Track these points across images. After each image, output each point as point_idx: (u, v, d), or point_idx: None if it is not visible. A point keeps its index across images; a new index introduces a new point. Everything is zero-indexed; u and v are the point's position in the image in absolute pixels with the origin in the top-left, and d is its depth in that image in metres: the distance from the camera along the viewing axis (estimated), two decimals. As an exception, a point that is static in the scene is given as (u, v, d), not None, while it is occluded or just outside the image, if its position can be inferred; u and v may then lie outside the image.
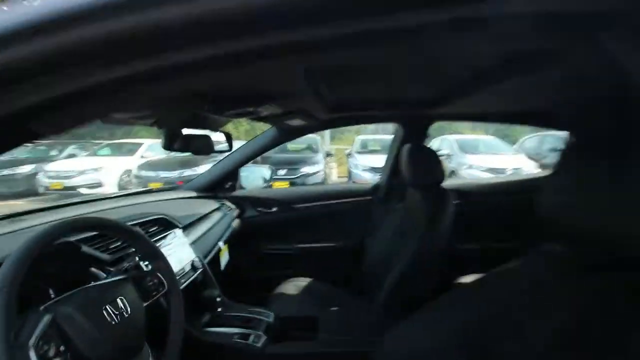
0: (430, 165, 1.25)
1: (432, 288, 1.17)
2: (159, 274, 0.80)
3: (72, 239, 0.79)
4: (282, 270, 1.86)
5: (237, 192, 1.90)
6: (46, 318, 0.53)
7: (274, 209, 1.88)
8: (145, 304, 0.73)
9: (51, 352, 0.51)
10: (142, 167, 6.58)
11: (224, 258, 1.51)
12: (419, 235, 1.18)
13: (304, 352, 0.98)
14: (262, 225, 1.89)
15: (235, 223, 1.77)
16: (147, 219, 1.13)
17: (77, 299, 0.59)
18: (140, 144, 7.98)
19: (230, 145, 1.23)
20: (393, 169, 1.80)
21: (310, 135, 8.73)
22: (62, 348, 0.53)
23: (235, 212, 1.82)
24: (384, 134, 9.08)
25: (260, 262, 1.90)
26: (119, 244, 0.95)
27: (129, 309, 0.66)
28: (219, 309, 1.10)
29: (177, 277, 1.05)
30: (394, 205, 1.68)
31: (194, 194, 1.72)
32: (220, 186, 1.84)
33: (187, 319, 1.02)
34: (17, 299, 0.49)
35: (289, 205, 1.88)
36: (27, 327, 0.51)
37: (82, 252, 0.79)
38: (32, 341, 0.49)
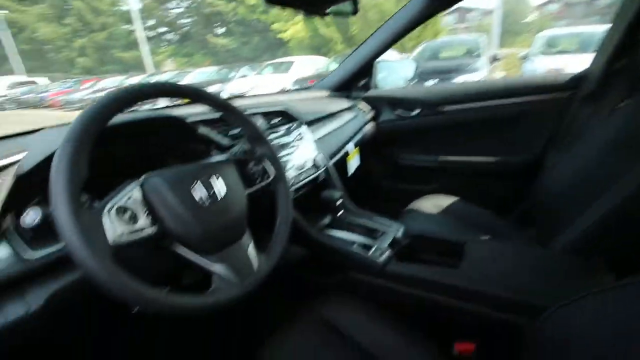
0: None
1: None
2: (263, 161, 0.69)
3: (191, 119, 0.75)
4: (421, 184, 1.59)
5: (372, 92, 1.62)
6: (132, 185, 0.49)
7: (416, 112, 1.53)
8: (248, 191, 0.64)
9: (135, 220, 0.47)
10: (295, 82, 7.14)
11: (353, 163, 1.35)
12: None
13: (437, 279, 0.75)
14: (400, 131, 1.60)
15: (369, 127, 1.55)
16: (268, 109, 1.04)
17: (169, 172, 0.53)
18: (292, 62, 8.53)
19: (356, 9, 0.94)
20: (619, 48, 1.10)
21: (472, 37, 7.11)
22: (149, 219, 0.48)
23: (370, 114, 1.58)
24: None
25: (396, 173, 1.67)
26: (238, 130, 0.90)
27: (224, 193, 0.57)
28: (340, 213, 0.98)
29: (297, 174, 0.96)
30: (610, 104, 1.06)
31: (325, 93, 1.56)
32: (353, 84, 1.60)
33: (305, 217, 0.95)
34: (87, 154, 0.43)
35: (435, 106, 1.49)
36: (110, 194, 0.46)
37: (198, 134, 0.75)
38: (109, 206, 0.44)
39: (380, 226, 0.97)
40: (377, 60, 1.50)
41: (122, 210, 0.46)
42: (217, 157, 0.65)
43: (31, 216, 0.47)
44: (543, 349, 0.51)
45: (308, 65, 8.71)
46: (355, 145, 1.39)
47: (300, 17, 14.38)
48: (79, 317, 0.63)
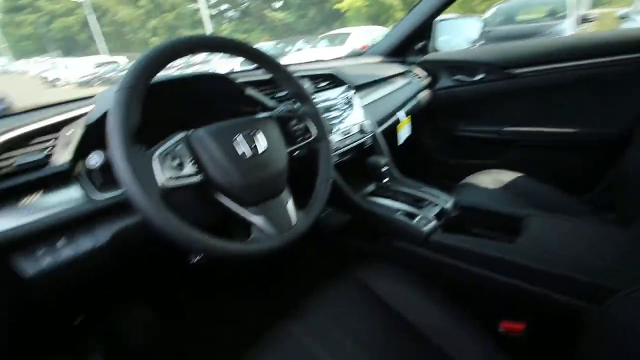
0: None
1: None
2: (306, 119, 0.68)
3: (240, 80, 0.77)
4: (480, 159, 1.46)
5: (430, 56, 1.50)
6: (179, 136, 0.52)
7: (479, 76, 1.38)
8: (289, 149, 0.65)
9: (182, 167, 0.50)
10: (350, 54, 6.91)
11: (404, 131, 1.28)
12: None
13: (486, 253, 0.69)
14: (459, 99, 1.46)
15: (424, 94, 1.45)
16: (315, 72, 1.02)
17: (214, 126, 0.56)
18: (348, 34, 8.25)
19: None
20: None
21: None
22: (194, 167, 0.51)
23: (425, 80, 1.47)
24: None
25: (452, 146, 1.55)
26: (284, 93, 0.89)
27: (264, 147, 0.58)
28: (385, 180, 0.94)
29: (342, 138, 0.94)
30: None
31: (377, 58, 1.48)
32: (408, 48, 1.49)
33: (349, 183, 0.93)
34: (139, 101, 0.46)
35: (503, 69, 1.32)
36: (161, 142, 0.50)
37: (246, 95, 0.77)
38: (158, 152, 0.47)
39: (427, 196, 0.91)
40: (436, 19, 1.37)
41: (170, 157, 0.49)
42: (258, 115, 0.66)
43: (94, 159, 0.52)
44: (608, 336, 0.45)
45: (365, 36, 8.34)
46: (408, 114, 1.31)
47: (358, -16, 13.70)
48: (139, 255, 0.71)
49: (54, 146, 0.55)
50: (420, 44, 1.48)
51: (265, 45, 11.30)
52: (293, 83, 0.67)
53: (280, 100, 0.88)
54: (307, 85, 0.99)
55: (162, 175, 0.46)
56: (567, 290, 0.61)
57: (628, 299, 0.44)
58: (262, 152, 0.57)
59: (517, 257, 0.66)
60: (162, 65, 0.50)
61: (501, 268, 0.68)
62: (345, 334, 0.60)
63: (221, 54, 0.62)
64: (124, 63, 14.31)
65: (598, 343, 0.46)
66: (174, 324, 1.05)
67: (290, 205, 0.60)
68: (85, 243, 0.55)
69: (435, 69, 1.48)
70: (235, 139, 0.55)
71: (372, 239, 0.91)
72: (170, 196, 0.48)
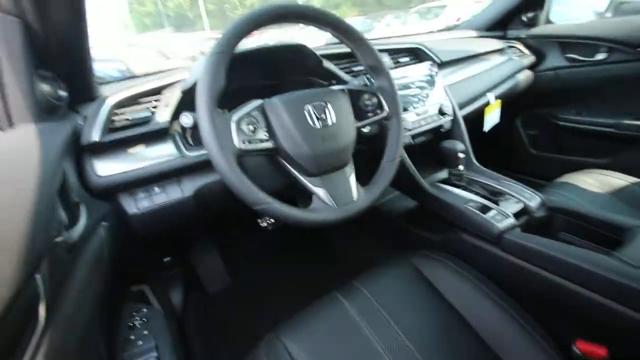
0: None
1: None
2: (380, 94, 0.66)
3: (320, 52, 0.77)
4: (586, 155, 1.24)
5: (537, 29, 1.28)
6: (255, 103, 0.55)
7: (600, 56, 1.15)
8: (359, 123, 0.64)
9: (255, 133, 0.53)
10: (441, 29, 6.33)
11: (492, 117, 1.15)
12: None
13: (572, 261, 0.59)
14: (569, 82, 1.24)
15: (524, 75, 1.26)
16: (399, 46, 0.97)
17: (287, 95, 0.58)
18: (444, 6, 7.49)
19: None
20: None
21: None
22: (266, 134, 0.54)
23: (529, 59, 1.27)
24: None
25: (552, 137, 1.34)
26: (361, 68, 0.87)
27: (333, 119, 0.59)
28: (461, 168, 0.86)
29: (418, 119, 0.89)
30: None
31: (473, 33, 1.33)
32: (512, 21, 1.30)
33: (420, 167, 0.88)
34: (226, 66, 0.51)
35: (632, 49, 1.07)
36: (239, 107, 0.54)
37: (324, 67, 0.77)
38: (236, 117, 0.52)
39: (508, 190, 0.82)
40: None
41: (245, 122, 0.53)
42: (343, 86, 0.66)
43: (186, 119, 0.59)
44: None
45: (464, 8, 7.48)
46: (499, 97, 1.17)
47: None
48: (219, 210, 0.79)
49: (156, 107, 0.64)
50: (529, 15, 1.28)
51: (354, 21, 11.04)
52: (371, 55, 0.65)
53: (356, 75, 0.86)
54: (385, 59, 0.95)
55: (237, 138, 0.51)
56: None
57: None
58: (331, 125, 0.58)
59: (612, 272, 0.56)
60: (247, 32, 0.53)
61: (590, 282, 0.58)
62: (389, 314, 0.60)
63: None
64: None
65: None
66: (237, 280, 1.18)
67: (352, 180, 0.60)
68: (174, 193, 0.64)
69: (543, 45, 1.27)
70: (307, 108, 0.56)
71: (438, 229, 0.86)
72: (243, 158, 0.53)
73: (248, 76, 0.70)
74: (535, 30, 1.28)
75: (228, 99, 0.54)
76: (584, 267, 0.59)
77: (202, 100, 0.48)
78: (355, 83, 0.74)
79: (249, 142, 0.52)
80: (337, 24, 0.61)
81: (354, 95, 0.65)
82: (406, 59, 0.98)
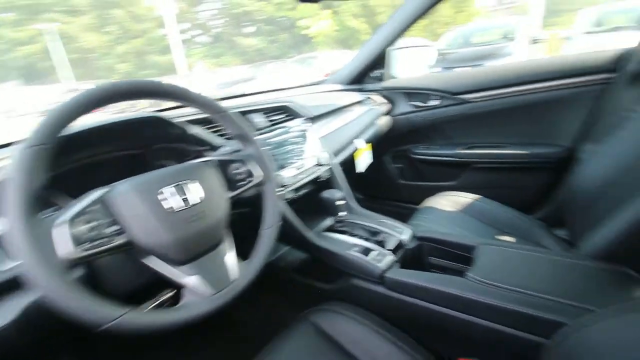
0: None
1: None
2: (249, 162, 0.65)
3: (182, 120, 0.73)
4: (440, 181, 1.49)
5: (386, 83, 1.54)
6: (93, 196, 0.46)
7: (434, 102, 1.43)
8: (231, 194, 0.61)
9: (99, 230, 0.44)
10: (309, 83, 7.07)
11: (364, 159, 1.29)
12: None
13: (440, 289, 0.68)
14: (417, 124, 1.50)
15: (383, 120, 1.47)
16: (268, 105, 1.01)
17: (138, 179, 0.51)
18: (315, 57, 8.51)
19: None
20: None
21: (510, 21, 6.59)
22: (115, 228, 0.46)
23: (384, 107, 1.50)
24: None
25: (413, 170, 1.58)
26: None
27: (201, 195, 0.54)
28: (342, 214, 0.92)
29: (297, 173, 0.92)
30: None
31: (337, 87, 1.50)
32: (366, 76, 1.53)
33: (304, 218, 0.90)
34: (45, 161, 0.42)
35: (456, 95, 1.37)
36: (69, 205, 0.45)
37: (189, 135, 0.73)
38: (65, 217, 0.42)
39: (385, 228, 0.90)
40: (389, 48, 1.42)
41: (83, 221, 0.44)
42: (208, 157, 0.63)
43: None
44: None
45: (333, 60, 8.59)
46: (368, 141, 1.32)
47: (326, 11, 14.22)
48: (56, 330, 0.62)
49: None
50: (377, 72, 1.52)
51: (238, 70, 11.37)
52: (234, 124, 0.65)
53: (231, 137, 0.85)
54: (259, 119, 0.97)
55: (71, 243, 0.41)
56: (516, 324, 0.61)
57: (575, 333, 0.44)
58: (196, 203, 0.54)
59: (468, 292, 0.65)
60: (74, 117, 0.46)
61: (454, 304, 0.67)
62: None
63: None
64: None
65: None
66: None
67: (229, 258, 0.56)
68: None
69: (393, 95, 1.52)
70: (162, 191, 0.51)
71: (332, 278, 0.88)
72: (94, 263, 0.43)
73: (102, 150, 0.61)
74: (385, 84, 1.53)
75: (74, 181, 0.44)
76: (445, 291, 0.67)
77: (10, 205, 0.39)
78: (227, 149, 0.72)
79: (91, 242, 0.43)
80: (195, 99, 0.59)
81: (223, 165, 0.63)
82: (281, 116, 1.02)
